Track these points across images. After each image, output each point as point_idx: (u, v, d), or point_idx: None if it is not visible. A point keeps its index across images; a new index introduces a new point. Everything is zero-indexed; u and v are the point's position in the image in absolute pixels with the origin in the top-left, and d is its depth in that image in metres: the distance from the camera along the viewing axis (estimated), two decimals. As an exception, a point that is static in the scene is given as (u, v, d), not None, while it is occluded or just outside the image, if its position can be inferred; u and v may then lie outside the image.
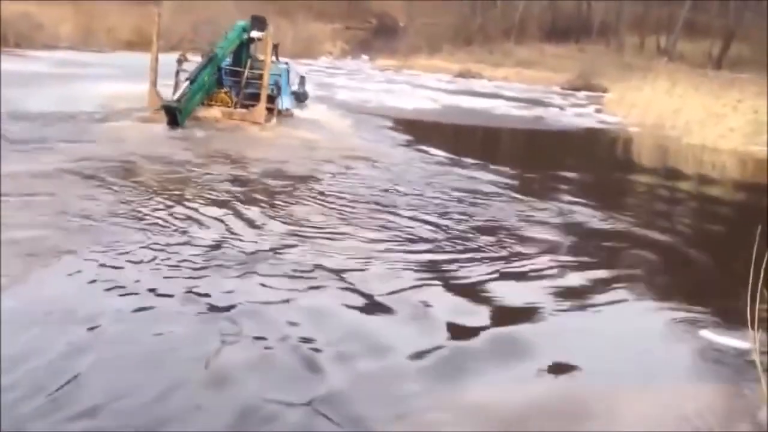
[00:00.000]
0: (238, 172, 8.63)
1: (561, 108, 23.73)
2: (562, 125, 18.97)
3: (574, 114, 22.05)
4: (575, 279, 5.60)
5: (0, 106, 10.91)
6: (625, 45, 41.37)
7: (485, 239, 6.41)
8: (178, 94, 11.32)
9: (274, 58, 13.06)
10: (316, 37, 42.76)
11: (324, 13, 47.67)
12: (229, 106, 12.38)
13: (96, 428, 3.05)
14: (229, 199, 7.20)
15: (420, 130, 14.85)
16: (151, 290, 4.54)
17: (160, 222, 6.09)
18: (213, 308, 4.38)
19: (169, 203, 6.72)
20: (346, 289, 4.93)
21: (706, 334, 4.83)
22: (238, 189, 7.74)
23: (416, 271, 5.44)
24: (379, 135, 13.54)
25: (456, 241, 6.34)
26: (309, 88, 16.09)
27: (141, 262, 5.06)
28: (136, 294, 4.48)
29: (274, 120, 12.53)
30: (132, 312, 4.22)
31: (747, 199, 10.99)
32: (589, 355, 4.17)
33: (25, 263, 4.84)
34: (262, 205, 7.10)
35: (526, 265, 5.82)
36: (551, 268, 5.81)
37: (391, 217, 6.97)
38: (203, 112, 11.98)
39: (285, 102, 13.59)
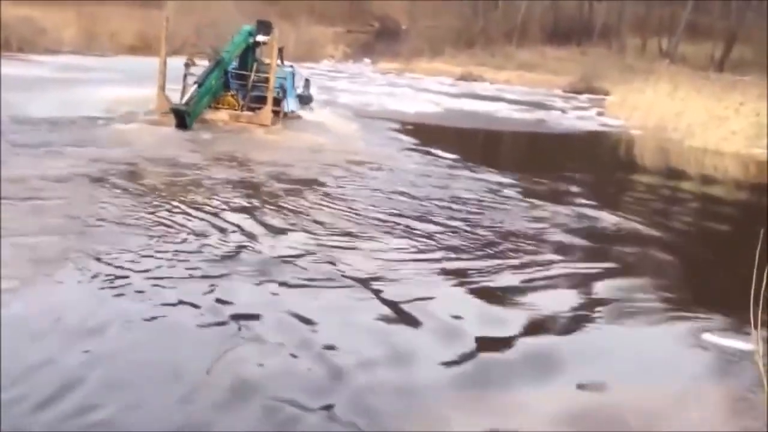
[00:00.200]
0: (248, 175, 8.74)
1: (563, 111, 23.75)
2: (564, 128, 18.99)
3: (576, 117, 22.07)
4: (601, 287, 5.63)
5: (0, 110, 11.00)
6: (627, 47, 41.36)
7: (506, 245, 6.46)
8: (186, 98, 11.56)
9: (279, 62, 13.20)
10: (317, 40, 42.78)
11: (326, 16, 47.70)
12: (235, 109, 12.59)
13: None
14: (242, 202, 7.29)
15: (424, 134, 14.88)
16: (177, 301, 4.55)
17: (178, 227, 6.15)
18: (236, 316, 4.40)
19: (184, 207, 6.78)
20: (372, 298, 4.94)
21: (709, 337, 4.86)
22: (249, 192, 7.83)
23: (446, 278, 5.51)
24: (385, 138, 13.63)
25: (477, 246, 6.40)
26: (312, 91, 16.17)
27: (164, 267, 5.09)
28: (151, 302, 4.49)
29: (279, 123, 12.73)
30: (146, 321, 4.24)
31: (756, 200, 11.04)
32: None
33: (35, 267, 4.88)
34: (277, 209, 7.16)
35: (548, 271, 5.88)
36: (572, 275, 5.86)
37: (409, 222, 7.02)
38: (211, 115, 12.20)
39: (290, 104, 13.77)
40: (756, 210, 9.90)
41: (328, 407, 3.41)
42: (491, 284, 5.46)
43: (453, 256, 6.05)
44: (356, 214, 7.16)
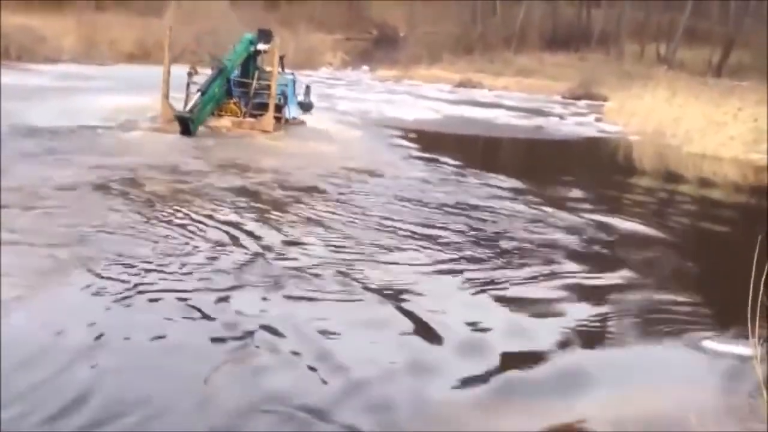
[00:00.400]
0: (256, 181, 8.88)
1: (561, 117, 23.78)
2: (563, 135, 19.02)
3: (574, 123, 22.10)
4: (625, 298, 5.65)
5: (0, 118, 11.08)
6: (625, 53, 41.44)
7: (521, 256, 6.46)
8: (190, 105, 11.79)
9: (280, 69, 13.39)
10: (316, 47, 42.88)
11: (325, 24, 47.84)
12: (238, 116, 12.86)
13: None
14: (246, 209, 7.36)
15: (425, 140, 14.93)
16: (196, 310, 4.56)
17: (193, 234, 6.20)
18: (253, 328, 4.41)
19: (194, 216, 6.83)
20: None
21: (709, 344, 4.87)
22: (257, 199, 7.93)
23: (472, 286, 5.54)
24: (386, 145, 13.78)
25: (498, 255, 6.43)
26: (311, 98, 16.29)
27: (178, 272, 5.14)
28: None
29: (281, 129, 13.03)
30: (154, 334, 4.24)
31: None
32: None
33: (42, 276, 4.90)
34: (287, 215, 7.25)
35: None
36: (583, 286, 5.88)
37: (424, 230, 7.06)
38: (214, 122, 12.48)
39: (292, 111, 14.05)
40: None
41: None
42: (520, 295, 5.47)
43: (475, 267, 6.05)
44: (363, 221, 7.19)
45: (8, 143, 9.67)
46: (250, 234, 6.37)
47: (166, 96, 12.33)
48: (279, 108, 13.07)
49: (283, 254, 5.89)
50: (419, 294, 5.23)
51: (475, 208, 8.32)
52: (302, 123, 14.39)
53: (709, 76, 30.28)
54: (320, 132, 13.83)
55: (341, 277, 5.43)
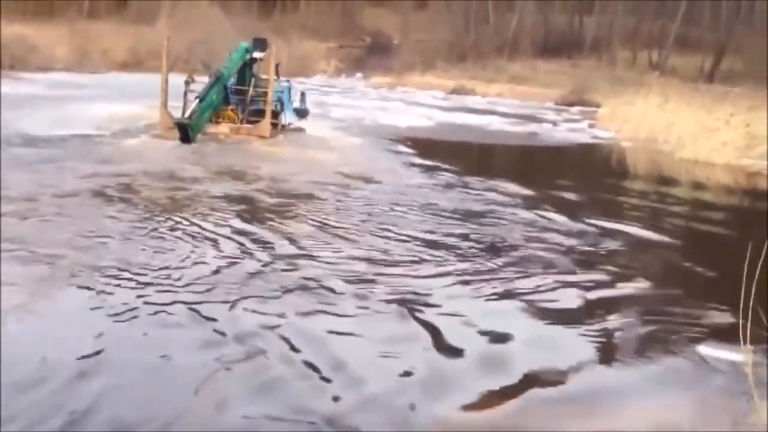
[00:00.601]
0: (255, 187, 8.97)
1: (554, 123, 23.83)
2: (557, 141, 19.06)
3: (567, 129, 22.15)
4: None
5: (0, 125, 11.15)
6: (618, 60, 41.63)
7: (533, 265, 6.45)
8: (188, 112, 12.00)
9: (275, 77, 13.60)
10: (310, 55, 42.95)
11: (318, 32, 47.91)
12: (235, 123, 13.13)
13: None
14: (249, 216, 7.39)
15: (421, 147, 14.95)
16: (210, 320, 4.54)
17: (200, 243, 6.20)
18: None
19: (198, 223, 6.87)
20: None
21: (704, 349, 4.87)
22: (258, 205, 8.01)
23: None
24: (382, 151, 13.87)
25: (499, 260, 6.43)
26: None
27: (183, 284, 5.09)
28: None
29: (278, 135, 13.35)
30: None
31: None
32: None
33: (40, 284, 4.89)
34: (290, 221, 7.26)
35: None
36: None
37: (431, 237, 7.07)
38: (212, 129, 12.73)
39: (288, 117, 14.37)
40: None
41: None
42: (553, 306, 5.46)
43: (489, 275, 6.04)
44: (364, 228, 7.19)
45: (7, 150, 9.74)
46: (258, 242, 6.38)
47: (164, 104, 12.54)
48: (275, 114, 13.41)
49: (292, 264, 5.86)
50: (436, 304, 5.21)
51: (480, 214, 8.34)
52: (301, 130, 14.64)
53: (700, 82, 30.42)
54: (317, 138, 14.04)
55: (354, 287, 5.40)
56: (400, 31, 50.20)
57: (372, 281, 5.56)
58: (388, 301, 5.14)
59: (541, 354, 4.52)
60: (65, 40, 32.42)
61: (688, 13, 40.13)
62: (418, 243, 6.80)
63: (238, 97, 13.54)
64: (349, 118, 19.59)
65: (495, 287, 5.70)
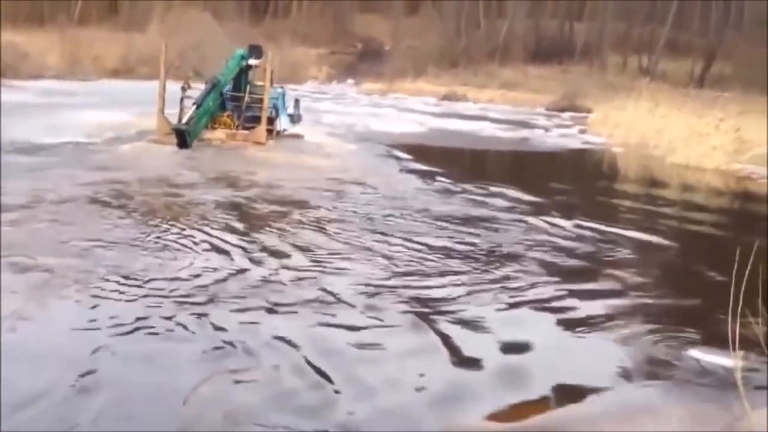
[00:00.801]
0: (254, 193, 9.07)
1: (546, 129, 23.90)
2: (548, 146, 19.12)
3: (558, 135, 22.22)
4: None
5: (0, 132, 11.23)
6: (608, 65, 41.79)
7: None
8: (186, 118, 12.25)
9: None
10: (301, 61, 42.93)
11: (309, 38, 47.90)
12: (231, 128, 13.40)
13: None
14: (253, 223, 7.48)
15: (414, 153, 14.97)
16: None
17: (203, 250, 6.22)
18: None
19: (199, 230, 6.90)
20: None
21: (695, 353, 4.89)
22: (259, 211, 8.10)
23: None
24: (378, 158, 13.97)
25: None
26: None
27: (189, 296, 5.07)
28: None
29: (273, 140, 13.63)
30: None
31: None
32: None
33: (43, 290, 4.88)
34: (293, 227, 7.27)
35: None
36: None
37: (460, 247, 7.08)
38: (208, 135, 12.98)
39: (283, 123, 14.65)
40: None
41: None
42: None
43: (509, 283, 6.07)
44: (360, 233, 7.20)
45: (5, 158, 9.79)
46: (265, 250, 6.42)
47: (161, 110, 12.73)
48: (271, 120, 13.67)
49: (299, 271, 5.87)
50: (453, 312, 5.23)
51: (478, 220, 8.38)
52: (300, 137, 14.92)
53: (691, 87, 30.55)
54: (311, 145, 14.30)
55: (365, 296, 5.40)
56: (391, 37, 50.25)
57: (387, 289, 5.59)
58: (403, 312, 5.14)
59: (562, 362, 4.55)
60: (56, 48, 32.32)
61: (678, 18, 40.35)
62: (420, 249, 6.82)
63: (233, 103, 13.78)
64: (341, 124, 19.61)
65: (506, 295, 5.74)
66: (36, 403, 3.46)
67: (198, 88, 12.89)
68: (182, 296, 5.03)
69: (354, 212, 8.31)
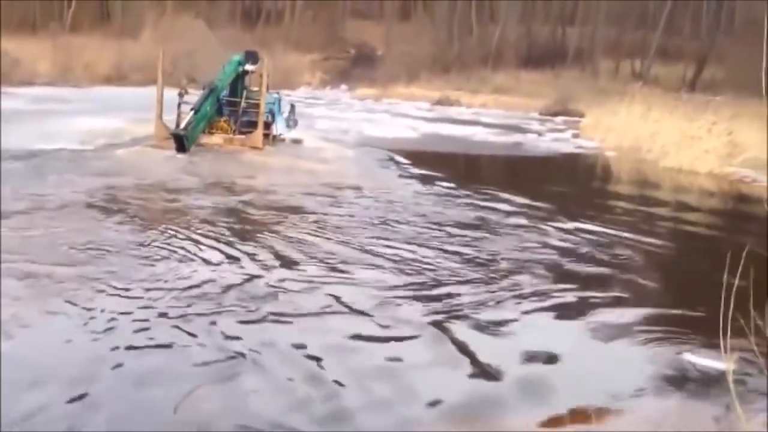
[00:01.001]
0: (258, 198, 9.21)
1: (539, 134, 23.94)
2: (541, 151, 19.15)
3: (551, 139, 22.25)
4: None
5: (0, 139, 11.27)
6: (600, 70, 41.92)
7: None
8: (184, 123, 12.41)
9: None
10: (294, 67, 42.92)
11: (302, 44, 47.92)
12: (228, 133, 13.61)
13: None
14: (259, 229, 7.50)
15: (411, 159, 15.00)
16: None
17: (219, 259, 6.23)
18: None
19: (203, 235, 6.94)
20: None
21: (689, 357, 4.89)
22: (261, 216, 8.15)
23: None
24: (375, 162, 14.03)
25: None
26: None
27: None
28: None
29: (270, 145, 13.85)
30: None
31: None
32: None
33: (43, 297, 4.87)
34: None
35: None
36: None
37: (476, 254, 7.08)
38: (206, 139, 13.18)
39: (279, 128, 14.86)
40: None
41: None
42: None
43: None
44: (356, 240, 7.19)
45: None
46: (279, 257, 6.42)
47: (159, 116, 12.90)
48: (267, 125, 13.88)
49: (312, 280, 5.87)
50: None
51: (476, 226, 8.40)
52: (299, 141, 15.12)
53: (683, 91, 30.65)
54: (307, 150, 14.46)
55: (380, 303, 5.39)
56: (384, 42, 50.31)
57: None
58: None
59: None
60: (48, 55, 32.28)
61: (669, 22, 40.51)
62: (425, 255, 6.82)
63: (230, 108, 13.99)
64: (335, 130, 19.62)
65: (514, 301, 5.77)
66: (34, 416, 3.44)
67: (195, 94, 13.07)
68: (188, 305, 5.02)
69: (351, 216, 8.31)
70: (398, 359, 4.46)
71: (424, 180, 11.77)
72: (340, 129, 20.00)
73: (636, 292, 6.28)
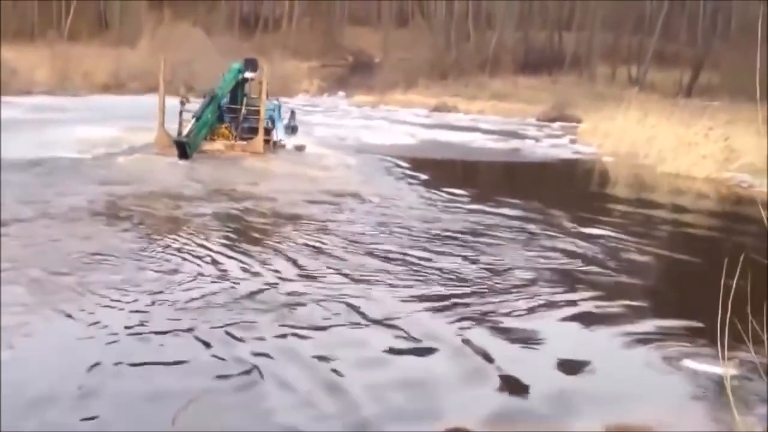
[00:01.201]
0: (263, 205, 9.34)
1: (536, 140, 23.96)
2: (539, 157, 19.17)
3: (549, 145, 22.28)
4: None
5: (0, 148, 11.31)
6: (597, 75, 42.02)
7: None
8: (186, 131, 12.71)
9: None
10: (292, 75, 42.96)
11: (300, 52, 47.99)
12: (229, 140, 13.87)
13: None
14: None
15: (411, 165, 15.05)
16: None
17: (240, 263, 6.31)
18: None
19: (211, 243, 6.99)
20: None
21: (689, 363, 4.91)
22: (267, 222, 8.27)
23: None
24: (375, 168, 14.14)
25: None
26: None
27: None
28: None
29: (270, 151, 14.11)
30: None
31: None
32: None
33: (49, 303, 4.89)
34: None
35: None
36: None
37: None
38: (208, 146, 13.43)
39: (279, 133, 15.15)
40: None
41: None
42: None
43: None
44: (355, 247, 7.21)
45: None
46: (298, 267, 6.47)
47: (162, 124, 13.20)
48: (267, 131, 14.16)
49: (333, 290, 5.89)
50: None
51: (481, 233, 8.43)
52: (302, 148, 15.28)
53: (679, 97, 30.72)
54: (309, 156, 14.65)
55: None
56: (381, 49, 50.42)
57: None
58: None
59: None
60: (46, 63, 32.29)
61: (665, 28, 40.64)
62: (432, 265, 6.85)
63: (231, 115, 14.23)
64: (333, 137, 19.66)
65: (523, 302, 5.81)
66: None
67: (195, 102, 13.28)
68: (196, 315, 5.04)
69: (356, 222, 8.36)
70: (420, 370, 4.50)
71: (427, 187, 11.85)
72: (338, 136, 20.03)
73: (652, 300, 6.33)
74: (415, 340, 4.94)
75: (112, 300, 5.13)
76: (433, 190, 11.47)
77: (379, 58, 50.28)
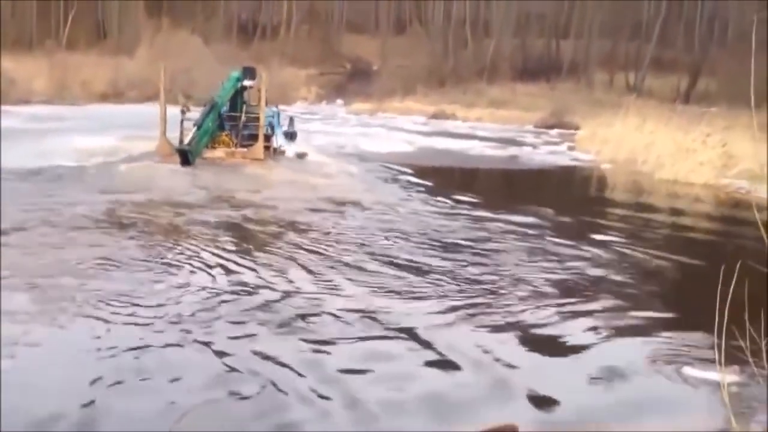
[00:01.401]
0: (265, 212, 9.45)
1: (534, 147, 24.00)
2: (537, 164, 19.19)
3: (547, 152, 22.31)
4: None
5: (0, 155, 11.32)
6: (595, 82, 42.11)
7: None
8: (188, 139, 12.92)
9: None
10: (290, 83, 43.02)
11: (298, 59, 48.04)
12: (230, 147, 14.07)
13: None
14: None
15: (409, 172, 15.08)
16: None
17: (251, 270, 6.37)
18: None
19: (216, 249, 7.04)
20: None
21: (688, 370, 4.92)
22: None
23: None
24: (374, 176, 14.23)
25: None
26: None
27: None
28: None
29: (270, 157, 14.29)
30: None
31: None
32: None
33: (51, 311, 4.89)
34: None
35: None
36: None
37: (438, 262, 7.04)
38: (209, 153, 13.62)
39: (279, 140, 15.34)
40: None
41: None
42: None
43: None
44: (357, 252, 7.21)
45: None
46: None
47: (163, 133, 13.40)
48: (267, 138, 14.36)
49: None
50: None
51: (484, 240, 8.44)
52: (303, 155, 15.38)
53: (677, 103, 30.75)
54: (309, 163, 14.76)
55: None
56: (379, 57, 50.50)
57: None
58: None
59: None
60: (44, 73, 32.34)
61: (663, 35, 40.77)
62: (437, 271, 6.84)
63: (231, 123, 14.39)
64: (332, 145, 19.68)
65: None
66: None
67: (195, 110, 13.43)
68: (207, 326, 5.06)
69: (348, 228, 8.37)
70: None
71: (430, 194, 11.92)
72: (336, 144, 20.06)
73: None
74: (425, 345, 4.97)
75: (112, 312, 5.11)
76: (433, 198, 11.49)
77: (377, 65, 50.35)
